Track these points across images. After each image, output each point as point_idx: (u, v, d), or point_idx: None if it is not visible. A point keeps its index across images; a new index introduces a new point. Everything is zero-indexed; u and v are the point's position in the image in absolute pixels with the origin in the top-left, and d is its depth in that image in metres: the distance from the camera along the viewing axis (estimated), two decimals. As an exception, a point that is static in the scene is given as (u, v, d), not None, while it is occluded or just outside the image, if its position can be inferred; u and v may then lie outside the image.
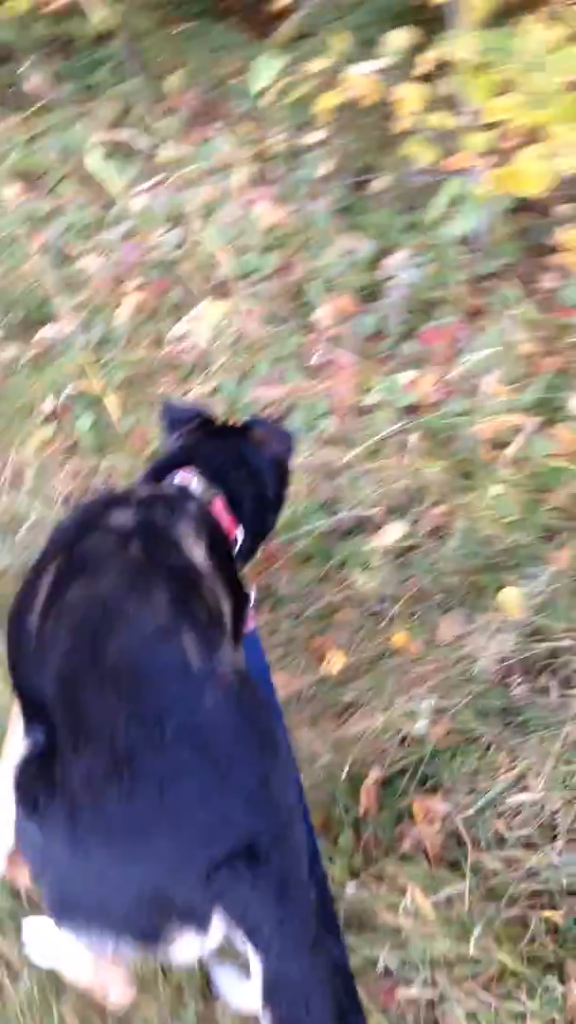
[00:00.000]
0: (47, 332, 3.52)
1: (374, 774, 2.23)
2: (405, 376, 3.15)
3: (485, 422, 2.99)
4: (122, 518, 1.78)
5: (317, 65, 2.77)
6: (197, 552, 1.78)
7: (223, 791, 1.29)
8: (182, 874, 1.27)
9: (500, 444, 3.03)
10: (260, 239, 3.75)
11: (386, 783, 2.25)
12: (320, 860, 1.57)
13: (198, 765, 1.30)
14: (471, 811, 2.13)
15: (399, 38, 2.66)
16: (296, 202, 4.03)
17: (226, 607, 1.77)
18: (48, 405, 3.27)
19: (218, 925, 1.30)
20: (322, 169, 4.20)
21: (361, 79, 2.69)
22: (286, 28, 4.68)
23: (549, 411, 3.20)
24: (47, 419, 3.26)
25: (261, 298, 3.47)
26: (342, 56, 2.90)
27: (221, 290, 3.56)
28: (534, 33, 2.66)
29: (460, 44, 2.61)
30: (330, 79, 2.82)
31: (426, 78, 3.06)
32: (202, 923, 1.29)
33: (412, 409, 3.07)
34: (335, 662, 2.38)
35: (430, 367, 3.28)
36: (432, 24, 4.01)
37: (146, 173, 4.18)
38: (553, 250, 3.88)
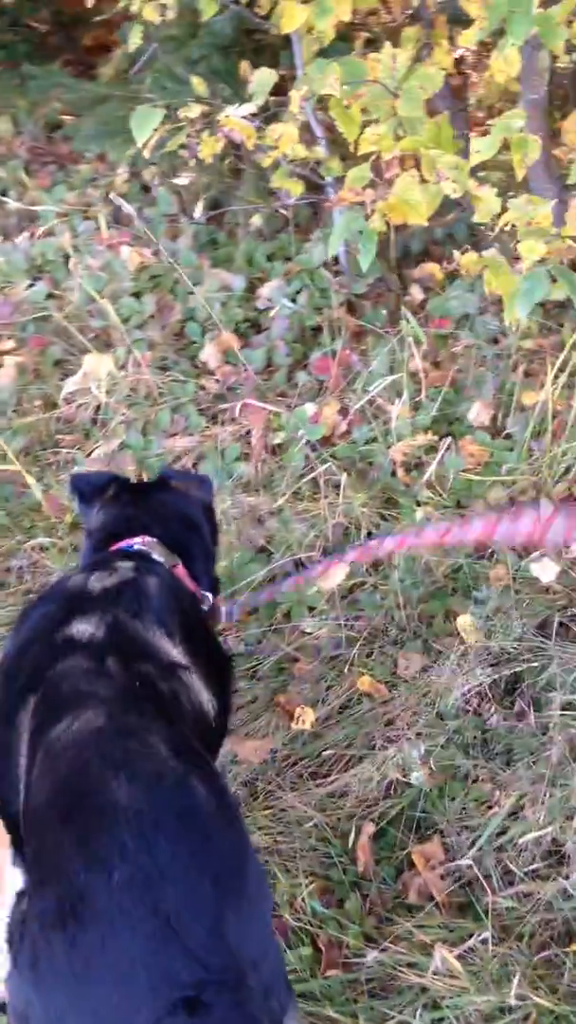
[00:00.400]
0: None
1: (367, 828, 2.15)
2: (308, 409, 3.09)
3: (397, 446, 2.97)
4: (89, 628, 1.64)
5: (194, 111, 2.67)
6: (175, 651, 1.68)
7: (167, 943, 1.20)
8: None
9: (413, 466, 3.02)
10: (131, 283, 3.61)
11: (378, 835, 2.18)
12: (285, 988, 1.47)
13: (143, 915, 1.21)
14: (473, 851, 2.08)
15: (265, 78, 2.60)
16: (155, 242, 3.92)
17: (210, 702, 1.69)
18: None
19: None
20: (175, 206, 4.11)
21: (235, 122, 2.61)
22: (112, 65, 4.56)
23: (447, 425, 3.22)
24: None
25: (147, 345, 3.33)
26: (193, 95, 2.81)
27: (102, 340, 3.40)
28: (385, 59, 2.64)
29: (320, 80, 2.56)
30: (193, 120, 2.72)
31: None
32: None
33: (323, 441, 3.02)
34: (305, 718, 2.29)
35: (329, 396, 3.24)
36: (266, 53, 3.99)
37: (-7, 225, 3.98)
38: (417, 262, 3.94)
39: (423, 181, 2.57)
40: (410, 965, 1.95)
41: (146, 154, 2.65)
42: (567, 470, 2.98)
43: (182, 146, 2.71)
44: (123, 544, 1.95)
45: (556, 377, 3.00)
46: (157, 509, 2.06)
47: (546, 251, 2.23)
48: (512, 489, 2.96)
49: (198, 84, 2.77)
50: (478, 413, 3.18)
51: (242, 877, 1.34)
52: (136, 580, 1.78)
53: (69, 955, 1.21)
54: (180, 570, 1.93)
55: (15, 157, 4.41)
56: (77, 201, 4.01)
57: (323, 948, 2.00)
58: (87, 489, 2.14)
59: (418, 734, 2.21)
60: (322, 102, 3.10)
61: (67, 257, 3.71)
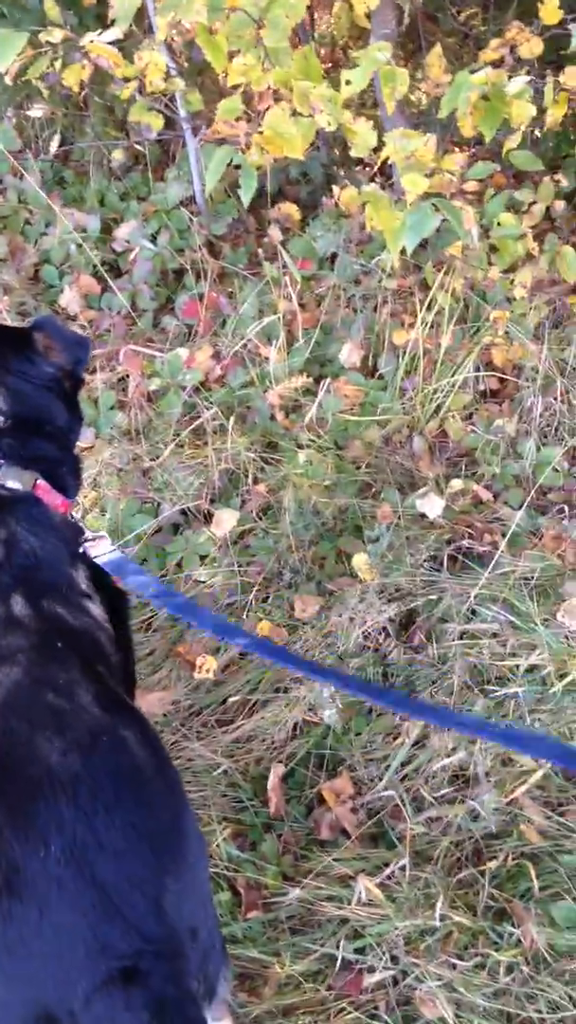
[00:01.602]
0: None
1: (277, 770, 2.11)
2: (181, 353, 2.95)
3: (275, 389, 2.89)
4: None
5: (56, 36, 2.42)
6: (80, 574, 1.55)
7: (105, 914, 1.15)
8: (64, 999, 1.14)
9: (291, 409, 2.95)
10: (-21, 223, 3.32)
11: (287, 776, 2.14)
12: (221, 951, 1.43)
13: (81, 888, 1.16)
14: (382, 784, 2.07)
15: (128, 2, 2.38)
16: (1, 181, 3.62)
17: (109, 642, 1.55)
18: None
19: None
20: (18, 143, 3.80)
21: (102, 48, 2.39)
22: None
23: (319, 367, 3.16)
24: None
25: (1, 289, 3.08)
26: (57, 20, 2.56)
27: (-48, 285, 3.12)
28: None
29: (188, 6, 2.39)
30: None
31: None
32: None
33: (198, 387, 2.89)
34: (208, 666, 2.20)
35: (199, 340, 3.10)
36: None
37: None
38: (273, 202, 3.82)
39: (295, 114, 2.45)
40: (329, 899, 1.93)
41: (8, 80, 2.40)
42: (438, 408, 2.99)
43: (41, 75, 2.47)
44: None
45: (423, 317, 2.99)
46: (9, 401, 1.72)
47: (428, 185, 2.17)
48: (387, 429, 2.94)
49: (51, 8, 2.52)
50: (349, 354, 3.13)
51: (181, 842, 1.28)
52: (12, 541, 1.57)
53: (3, 928, 1.14)
54: (42, 488, 1.67)
55: None
56: None
57: (242, 891, 1.95)
58: None
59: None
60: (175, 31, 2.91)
61: None
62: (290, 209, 3.77)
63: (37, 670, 1.36)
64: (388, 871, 1.92)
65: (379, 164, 2.34)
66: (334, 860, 1.96)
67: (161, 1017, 1.14)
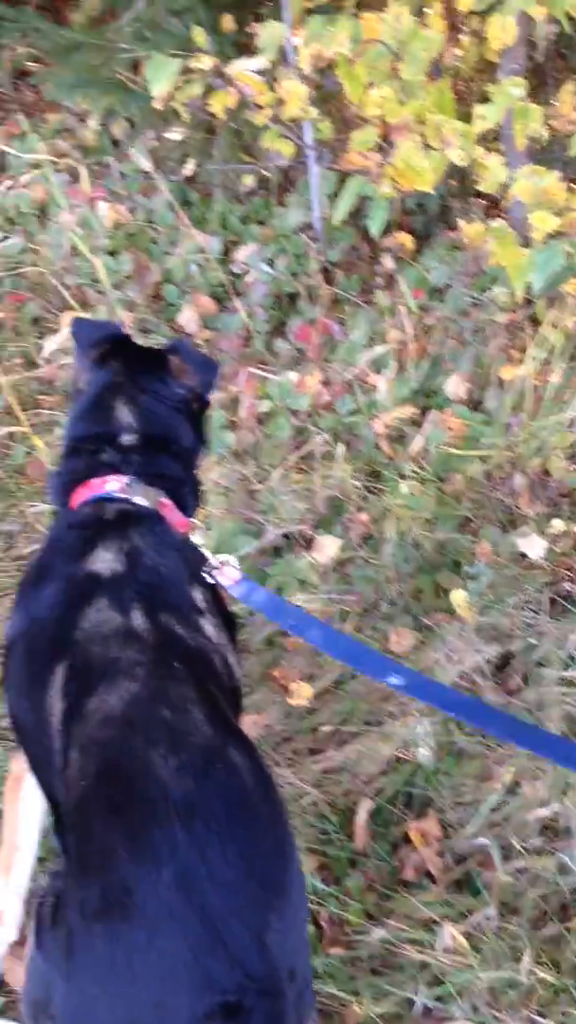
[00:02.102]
0: None
1: (364, 805, 2.07)
2: (291, 377, 2.95)
3: (380, 418, 2.86)
4: (99, 575, 1.51)
5: (205, 63, 2.46)
6: (197, 594, 1.57)
7: (211, 946, 1.13)
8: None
9: (395, 439, 2.92)
10: (107, 240, 3.39)
11: (374, 812, 2.10)
12: (310, 991, 1.39)
13: (189, 916, 1.14)
14: (470, 828, 2.01)
15: (273, 32, 2.40)
16: (131, 199, 3.69)
17: (222, 665, 1.54)
18: None
19: None
20: (147, 164, 3.86)
21: (247, 76, 2.42)
22: (83, 11, 4.25)
23: (423, 398, 3.12)
24: None
25: (125, 305, 3.13)
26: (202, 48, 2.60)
27: (77, 299, 3.19)
28: (402, 19, 2.48)
29: (330, 38, 2.40)
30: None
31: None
32: None
33: (308, 412, 2.88)
34: (301, 693, 2.18)
35: (309, 365, 3.10)
36: (247, 7, 3.75)
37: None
38: (386, 231, 3.79)
39: (426, 147, 2.43)
40: (411, 941, 1.89)
41: (159, 105, 2.44)
42: (541, 446, 2.91)
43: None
44: (96, 490, 1.66)
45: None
46: (139, 420, 1.76)
47: (559, 223, 2.12)
48: (489, 465, 2.88)
49: (198, 35, 2.56)
50: (455, 386, 3.09)
51: (286, 880, 1.26)
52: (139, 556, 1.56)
53: (110, 948, 1.14)
54: (166, 506, 1.67)
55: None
56: (50, 152, 3.73)
57: (324, 926, 1.92)
58: (86, 336, 1.87)
59: (418, 710, 2.13)
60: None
61: (42, 210, 3.46)
62: (405, 239, 3.74)
63: (154, 685, 1.35)
64: (474, 919, 1.86)
65: (499, 199, 2.28)
66: (420, 903, 1.91)
67: None
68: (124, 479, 1.67)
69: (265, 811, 1.29)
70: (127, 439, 1.74)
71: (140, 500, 1.65)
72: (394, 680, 1.58)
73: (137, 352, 1.89)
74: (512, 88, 2.44)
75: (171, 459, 1.78)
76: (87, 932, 1.16)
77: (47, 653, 1.45)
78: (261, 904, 1.19)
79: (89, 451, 1.75)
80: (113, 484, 1.67)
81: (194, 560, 1.66)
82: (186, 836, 1.17)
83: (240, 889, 1.18)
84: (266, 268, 3.40)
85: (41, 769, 1.48)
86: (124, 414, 1.77)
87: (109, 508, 1.64)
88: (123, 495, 1.65)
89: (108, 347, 1.84)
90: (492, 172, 2.29)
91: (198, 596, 1.58)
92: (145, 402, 1.77)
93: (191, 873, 1.15)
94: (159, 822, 1.18)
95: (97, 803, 1.26)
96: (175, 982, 1.12)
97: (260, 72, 2.65)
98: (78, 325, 1.96)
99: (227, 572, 1.67)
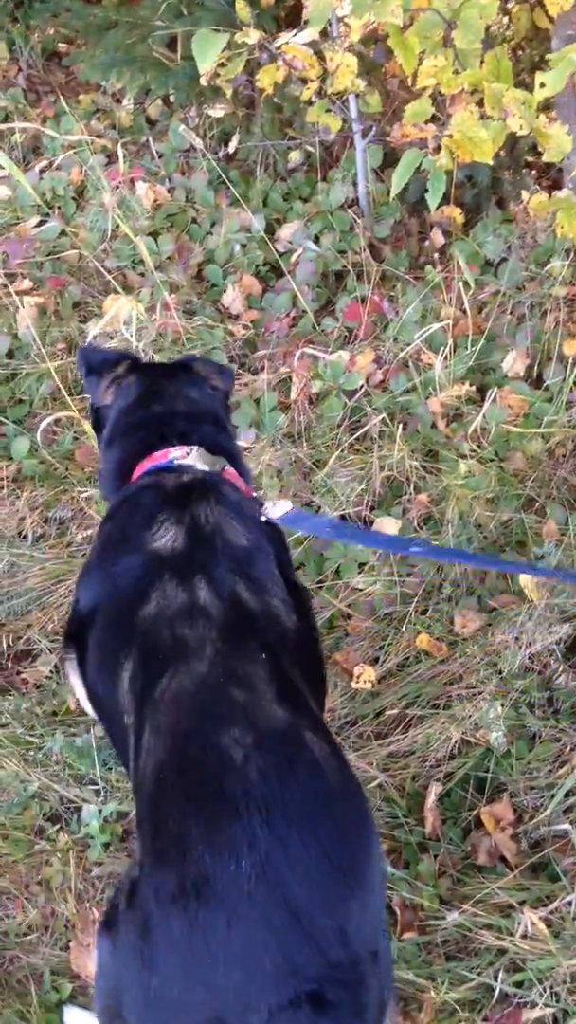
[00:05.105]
0: None
1: (434, 789, 2.10)
2: (342, 356, 2.98)
3: (437, 397, 2.88)
4: (172, 546, 1.56)
5: (252, 37, 2.50)
6: (281, 593, 1.59)
7: (293, 934, 1.18)
8: (244, 1011, 1.16)
9: (452, 418, 2.94)
10: (147, 222, 3.44)
11: (443, 795, 2.13)
12: (391, 980, 1.42)
13: (272, 905, 1.18)
14: (545, 813, 2.04)
15: (323, 3, 2.43)
16: (169, 179, 3.73)
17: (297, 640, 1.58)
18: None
19: None
20: (196, 141, 3.90)
21: (297, 49, 2.45)
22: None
23: (480, 375, 3.13)
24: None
25: (168, 287, 3.17)
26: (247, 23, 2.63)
27: (118, 281, 3.24)
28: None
29: (382, 6, 2.41)
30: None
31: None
32: None
33: (360, 391, 2.91)
34: (366, 676, 2.22)
35: (360, 344, 3.13)
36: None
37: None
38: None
39: (483, 117, 2.44)
40: (488, 927, 1.92)
41: (204, 81, 2.48)
42: (606, 423, 2.92)
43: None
44: (160, 459, 1.77)
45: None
46: (188, 406, 1.92)
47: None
48: (551, 442, 2.89)
49: (242, 10, 2.59)
50: (513, 363, 3.10)
51: (367, 869, 1.30)
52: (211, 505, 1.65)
53: (189, 931, 1.18)
54: (230, 472, 1.79)
55: (13, 85, 4.16)
56: (84, 133, 3.78)
57: (398, 911, 1.96)
58: (97, 362, 2.02)
59: (479, 693, 2.16)
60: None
61: (80, 192, 3.52)
62: (454, 212, 3.75)
63: (229, 665, 1.39)
64: (554, 905, 1.88)
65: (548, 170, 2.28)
66: (496, 888, 1.93)
67: None
68: (187, 448, 1.77)
69: (347, 802, 1.33)
70: (182, 421, 1.87)
71: (203, 467, 1.74)
72: (416, 549, 1.90)
73: (160, 365, 2.10)
74: (574, 54, 2.44)
75: (227, 436, 1.93)
76: (164, 915, 1.20)
77: (126, 627, 1.50)
78: (343, 894, 1.23)
79: (149, 428, 1.85)
80: (176, 453, 1.76)
81: (273, 533, 1.73)
82: (266, 829, 1.21)
83: (322, 879, 1.22)
84: (312, 246, 3.42)
85: (122, 748, 1.52)
86: (177, 402, 1.92)
87: (176, 476, 1.71)
88: (189, 463, 1.74)
89: (129, 362, 2.00)
90: (556, 141, 2.30)
91: (272, 566, 1.62)
92: (192, 393, 1.95)
93: (273, 863, 1.19)
94: (238, 814, 1.21)
95: (171, 790, 1.30)
96: (256, 969, 1.16)
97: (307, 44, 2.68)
98: (85, 353, 2.08)
99: (279, 506, 1.75)
